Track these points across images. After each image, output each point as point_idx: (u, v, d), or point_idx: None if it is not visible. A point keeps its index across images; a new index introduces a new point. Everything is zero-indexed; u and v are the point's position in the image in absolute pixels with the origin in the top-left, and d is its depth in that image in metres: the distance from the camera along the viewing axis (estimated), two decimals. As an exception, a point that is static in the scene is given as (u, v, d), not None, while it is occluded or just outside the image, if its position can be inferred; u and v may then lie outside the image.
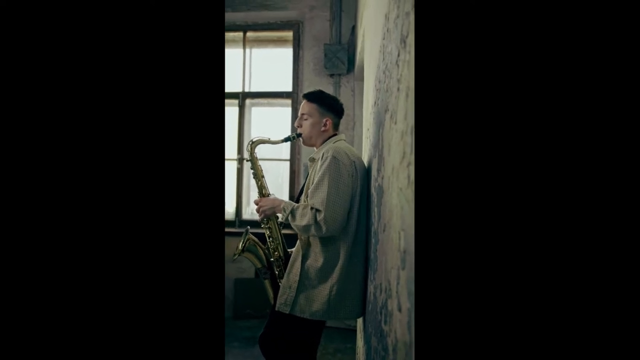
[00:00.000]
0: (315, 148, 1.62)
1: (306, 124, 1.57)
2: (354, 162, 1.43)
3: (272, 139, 1.65)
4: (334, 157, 1.38)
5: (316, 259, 1.43)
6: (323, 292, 1.40)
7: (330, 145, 1.49)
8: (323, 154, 1.43)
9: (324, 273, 1.42)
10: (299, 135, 1.60)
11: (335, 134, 1.59)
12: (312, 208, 1.37)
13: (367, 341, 1.39)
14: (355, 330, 2.39)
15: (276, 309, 1.46)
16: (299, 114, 1.60)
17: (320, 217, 1.34)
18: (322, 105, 1.57)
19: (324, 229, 1.34)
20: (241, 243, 1.61)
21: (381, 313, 1.01)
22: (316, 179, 1.39)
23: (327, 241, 1.42)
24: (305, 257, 1.46)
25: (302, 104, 1.61)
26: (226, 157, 3.56)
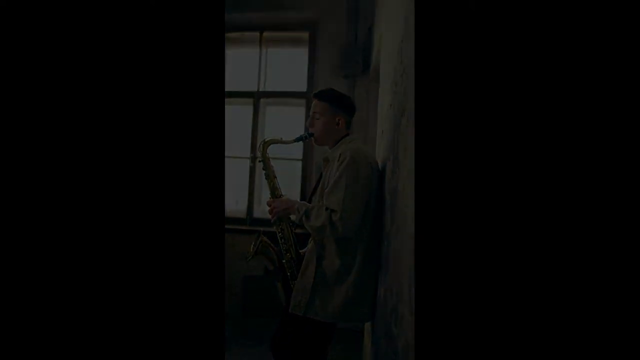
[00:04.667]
0: (327, 148, 1.59)
1: (318, 123, 1.54)
2: (370, 163, 1.41)
3: (285, 138, 1.62)
4: (352, 158, 1.36)
5: (332, 260, 1.40)
6: (339, 294, 1.38)
7: (347, 145, 1.47)
8: (340, 155, 1.40)
9: (341, 275, 1.39)
10: (311, 134, 1.56)
11: (348, 134, 1.56)
12: (327, 209, 1.34)
13: (375, 342, 1.39)
14: (362, 332, 2.39)
15: (290, 310, 1.44)
16: (311, 113, 1.57)
17: (335, 217, 1.31)
18: (334, 103, 1.53)
19: (339, 229, 1.31)
20: (253, 246, 1.60)
21: (392, 316, 1.01)
22: (333, 180, 1.37)
23: (344, 243, 1.39)
24: (320, 259, 1.42)
25: (313, 103, 1.57)
26: (239, 155, 3.59)
